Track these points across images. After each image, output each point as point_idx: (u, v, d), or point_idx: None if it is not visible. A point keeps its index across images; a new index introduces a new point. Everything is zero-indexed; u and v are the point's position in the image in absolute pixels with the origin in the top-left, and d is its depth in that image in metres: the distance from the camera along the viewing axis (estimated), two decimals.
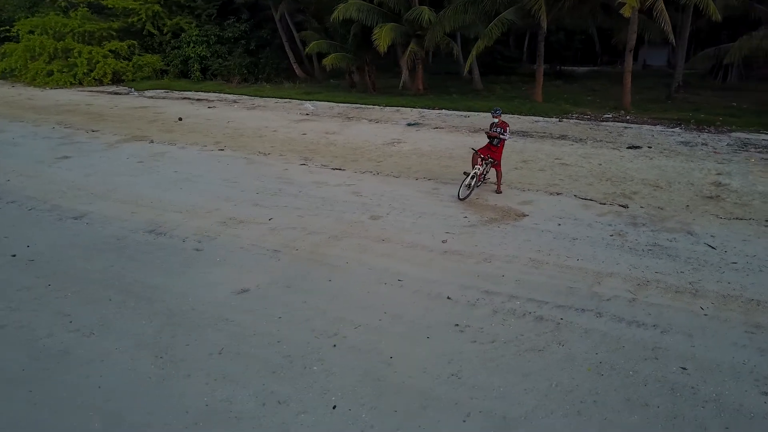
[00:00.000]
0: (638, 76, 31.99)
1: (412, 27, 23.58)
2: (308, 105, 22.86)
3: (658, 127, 18.54)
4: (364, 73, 26.71)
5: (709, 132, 17.65)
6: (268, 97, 25.68)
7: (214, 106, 23.70)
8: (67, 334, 6.50)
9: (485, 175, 11.46)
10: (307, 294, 7.48)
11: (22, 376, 5.75)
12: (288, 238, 9.25)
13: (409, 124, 19.25)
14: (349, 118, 20.64)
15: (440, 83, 28.54)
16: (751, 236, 9.23)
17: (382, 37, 22.46)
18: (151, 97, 26.95)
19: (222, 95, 26.77)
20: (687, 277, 7.82)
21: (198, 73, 31.08)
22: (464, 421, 5.11)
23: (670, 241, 9.07)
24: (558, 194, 11.47)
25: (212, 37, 30.84)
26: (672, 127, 18.40)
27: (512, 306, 7.09)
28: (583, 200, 11.07)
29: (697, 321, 6.74)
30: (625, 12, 17.94)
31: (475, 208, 10.63)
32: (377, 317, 6.86)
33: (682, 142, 16.25)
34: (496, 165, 11.29)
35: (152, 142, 16.65)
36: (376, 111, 21.80)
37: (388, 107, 22.33)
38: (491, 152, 11.22)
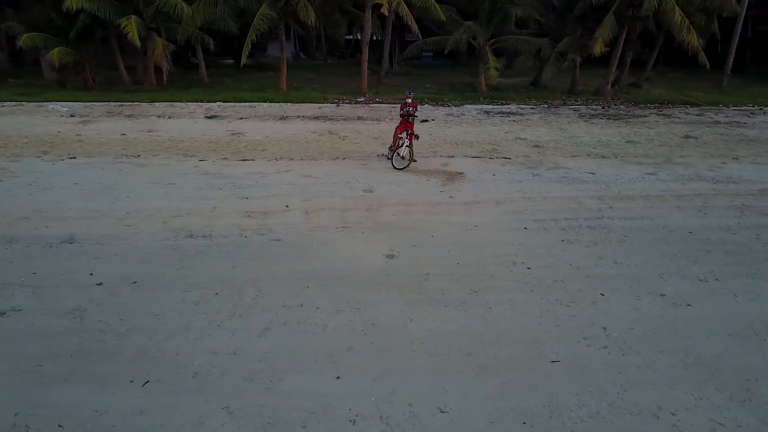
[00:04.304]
0: (298, 66, 36.51)
1: (156, 20, 22.71)
2: (58, 106, 19.95)
3: None
4: (85, 69, 24.22)
5: (450, 106, 22.87)
6: None
7: None
8: (352, 314, 6.72)
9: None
10: (435, 247, 8.78)
11: (369, 347, 6.11)
12: (335, 218, 9.95)
13: (207, 117, 19.21)
14: (129, 116, 19.11)
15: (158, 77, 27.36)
16: (597, 164, 13.99)
17: (133, 29, 21.21)
18: None
19: None
20: (611, 190, 11.89)
21: None
22: (665, 279, 7.94)
23: (566, 174, 13.10)
24: (452, 156, 14.47)
25: None
26: (422, 105, 22.99)
27: (566, 224, 9.92)
28: (476, 158, 14.34)
29: (655, 210, 10.77)
30: (384, 11, 21.60)
31: (421, 174, 12.80)
32: (516, 248, 8.85)
33: (448, 114, 20.96)
34: (412, 137, 13.58)
35: None
36: (148, 107, 20.54)
37: (157, 103, 21.27)
38: (408, 126, 13.47)
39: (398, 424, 4.89)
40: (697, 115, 21.94)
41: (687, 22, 22.16)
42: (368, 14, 23.91)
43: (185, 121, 18.24)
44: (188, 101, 21.89)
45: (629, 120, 20.44)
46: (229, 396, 5.18)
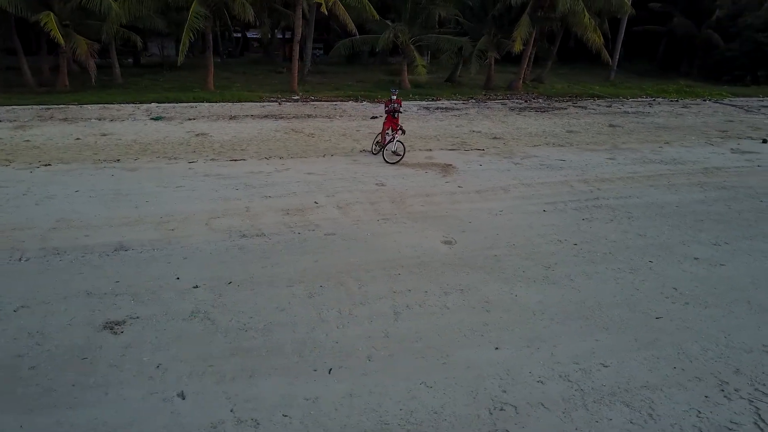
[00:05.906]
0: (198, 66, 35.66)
1: (73, 17, 21.37)
2: None
3: (350, 103, 23.44)
4: None
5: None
6: None
7: None
8: (459, 294, 7.26)
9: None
10: (481, 232, 9.42)
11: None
12: (369, 211, 10.27)
13: (153, 119, 18.48)
14: (64, 119, 17.81)
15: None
16: (560, 152, 15.38)
17: (54, 26, 19.88)
18: None
19: None
20: (589, 174, 13.25)
21: None
22: (688, 246, 9.24)
23: (541, 162, 14.34)
24: (430, 150, 15.24)
25: None
26: (361, 102, 23.61)
27: (575, 206, 11.03)
28: (453, 150, 15.22)
29: (636, 190, 12.18)
30: (323, 9, 21.84)
31: (415, 167, 13.39)
32: (550, 228, 9.74)
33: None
34: (399, 131, 14.17)
35: None
36: (80, 110, 19.24)
37: (87, 105, 20.02)
38: (394, 122, 14.07)
39: (578, 380, 5.53)
40: (607, 106, 24.41)
41: (593, 23, 24.53)
42: (299, 13, 23.96)
43: (131, 123, 17.39)
44: (121, 103, 20.71)
45: (554, 112, 22.32)
46: (415, 373, 5.54)
